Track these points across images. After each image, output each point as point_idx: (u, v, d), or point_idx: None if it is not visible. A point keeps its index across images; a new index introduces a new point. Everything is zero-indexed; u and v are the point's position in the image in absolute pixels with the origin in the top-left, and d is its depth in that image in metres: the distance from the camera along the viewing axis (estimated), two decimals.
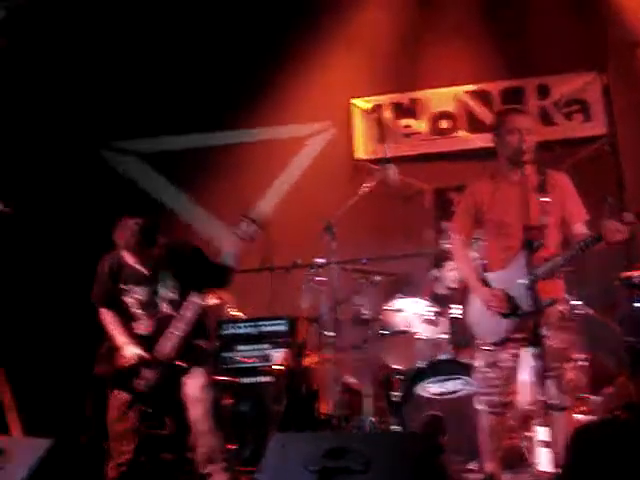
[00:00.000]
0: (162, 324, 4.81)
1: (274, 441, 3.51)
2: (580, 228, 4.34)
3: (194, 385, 4.71)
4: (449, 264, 6.23)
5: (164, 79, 8.02)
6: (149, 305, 4.86)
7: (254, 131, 8.20)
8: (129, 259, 4.85)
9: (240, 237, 4.79)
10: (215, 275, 4.82)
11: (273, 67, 7.91)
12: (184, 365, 4.73)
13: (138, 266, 4.85)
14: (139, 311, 4.88)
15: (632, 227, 3.97)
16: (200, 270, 4.86)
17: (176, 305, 4.82)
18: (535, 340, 3.95)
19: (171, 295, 4.85)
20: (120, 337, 4.84)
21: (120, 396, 4.77)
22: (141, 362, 4.74)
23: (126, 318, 4.91)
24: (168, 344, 4.72)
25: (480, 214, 4.45)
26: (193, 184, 8.17)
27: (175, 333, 4.71)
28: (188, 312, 4.71)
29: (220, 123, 8.20)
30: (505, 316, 4.28)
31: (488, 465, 4.50)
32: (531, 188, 4.20)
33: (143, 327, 4.88)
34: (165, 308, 4.84)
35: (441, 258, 6.45)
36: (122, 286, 4.88)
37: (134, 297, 4.88)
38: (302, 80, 7.90)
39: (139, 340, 4.83)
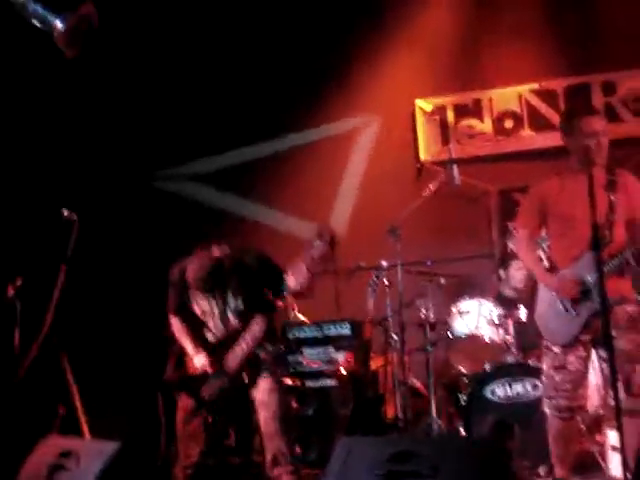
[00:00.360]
0: (231, 335, 4.87)
1: (340, 445, 3.50)
2: None
3: (262, 389, 4.75)
4: (515, 264, 6.17)
5: (215, 93, 8.00)
6: (217, 314, 4.92)
7: (314, 131, 8.19)
8: (198, 269, 4.92)
9: (313, 257, 4.74)
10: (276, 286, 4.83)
11: (336, 68, 7.89)
12: (249, 379, 4.78)
13: (205, 276, 4.91)
14: (209, 320, 4.95)
15: None
16: (265, 280, 4.91)
17: (243, 315, 4.87)
18: (604, 341, 3.88)
19: (238, 305, 4.90)
20: (190, 345, 4.92)
21: (187, 400, 4.84)
22: (210, 373, 4.81)
23: (196, 326, 4.98)
24: (236, 359, 4.78)
25: (546, 211, 4.41)
26: (264, 193, 8.17)
27: (243, 347, 4.77)
28: (256, 327, 4.76)
29: (279, 128, 8.20)
30: (577, 302, 4.20)
31: (558, 470, 4.45)
32: (600, 186, 4.13)
33: (212, 336, 4.95)
34: (232, 319, 4.90)
35: (506, 259, 6.39)
36: (191, 296, 4.96)
37: (202, 306, 4.94)
38: (366, 81, 7.90)
39: (208, 348, 4.89)
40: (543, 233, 4.95)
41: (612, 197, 4.21)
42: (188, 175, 8.41)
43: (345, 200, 8.02)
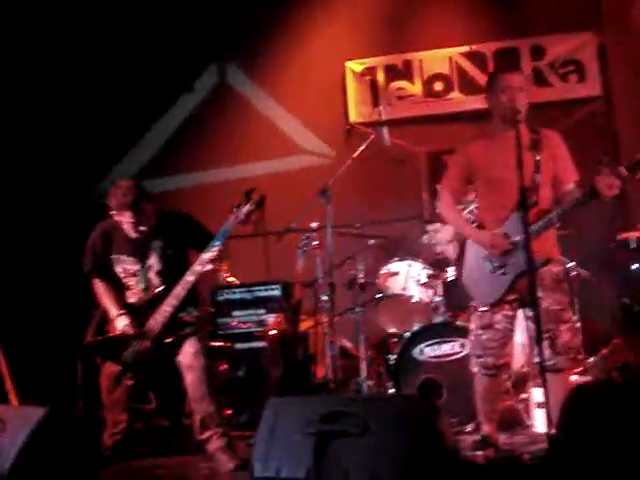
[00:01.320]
0: (154, 297, 4.79)
1: (269, 406, 3.50)
2: (572, 188, 4.32)
3: (187, 352, 4.70)
4: (443, 226, 6.21)
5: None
6: (140, 276, 4.84)
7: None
8: (121, 226, 4.80)
9: (238, 219, 4.70)
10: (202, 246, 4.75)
11: (266, 26, 7.81)
12: (174, 341, 4.72)
13: (130, 235, 4.80)
14: (131, 282, 4.86)
15: (625, 181, 3.96)
16: (190, 241, 4.83)
17: (166, 277, 4.79)
18: (530, 301, 3.94)
19: (161, 267, 4.82)
20: (111, 308, 4.83)
21: (111, 367, 4.77)
22: (131, 335, 4.74)
23: (118, 288, 4.89)
24: (158, 321, 4.70)
25: (473, 173, 4.41)
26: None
27: (166, 309, 4.68)
28: (180, 289, 4.67)
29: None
30: (504, 263, 4.24)
31: (484, 427, 4.52)
32: (524, 146, 4.15)
33: (135, 298, 4.87)
34: (155, 281, 4.82)
35: (435, 220, 6.43)
36: (113, 256, 4.86)
37: (125, 267, 4.85)
38: (296, 43, 7.83)
39: (131, 311, 4.81)
40: (471, 196, 5.00)
41: (537, 157, 4.22)
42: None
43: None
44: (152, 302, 4.77)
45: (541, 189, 4.23)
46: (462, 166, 4.46)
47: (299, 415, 3.38)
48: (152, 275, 4.83)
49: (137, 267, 4.83)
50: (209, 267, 4.68)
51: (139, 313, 4.78)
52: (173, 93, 8.20)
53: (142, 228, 4.75)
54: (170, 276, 4.76)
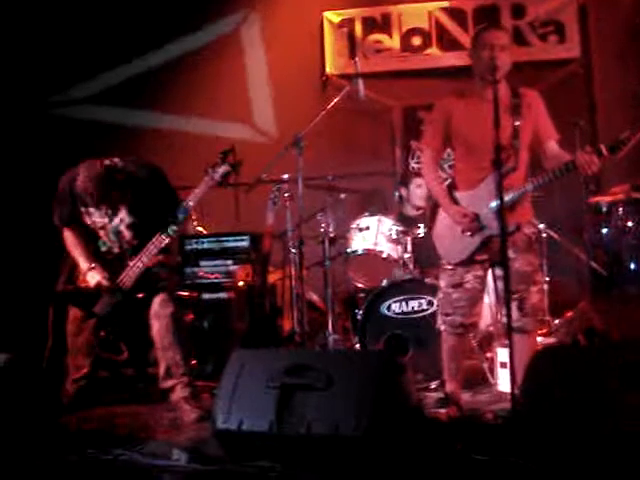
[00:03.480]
0: (126, 250, 4.75)
1: (234, 357, 3.47)
2: (553, 146, 4.30)
3: (155, 301, 4.65)
4: (415, 182, 6.18)
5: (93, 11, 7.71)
6: (111, 229, 4.77)
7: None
8: (88, 180, 4.70)
9: (213, 180, 4.62)
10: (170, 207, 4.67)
11: None
12: (144, 296, 4.68)
13: (96, 187, 4.70)
14: (101, 233, 4.78)
15: (605, 159, 3.93)
16: (159, 198, 4.74)
17: (138, 230, 4.73)
18: (500, 262, 3.92)
19: (132, 220, 4.75)
20: (82, 260, 4.76)
21: (76, 312, 4.72)
22: (102, 289, 4.69)
23: (89, 238, 4.81)
24: (131, 275, 4.65)
25: (450, 130, 4.35)
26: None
27: (138, 265, 4.63)
28: (153, 247, 4.60)
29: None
30: (471, 236, 4.25)
31: (449, 385, 4.54)
32: (504, 108, 4.10)
33: (107, 250, 4.80)
34: (127, 233, 4.76)
35: (408, 177, 6.39)
36: (82, 208, 4.76)
37: (94, 220, 4.77)
38: None
39: (102, 263, 4.75)
40: (446, 153, 4.96)
41: (516, 122, 4.18)
42: (81, 97, 8.07)
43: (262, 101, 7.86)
44: (123, 256, 4.72)
45: (520, 153, 4.21)
46: (442, 124, 4.39)
47: (263, 368, 3.36)
48: (123, 228, 4.76)
49: (106, 220, 4.75)
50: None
51: (111, 266, 4.72)
52: (173, 31, 7.94)
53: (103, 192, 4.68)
54: (142, 229, 4.70)
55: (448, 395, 4.50)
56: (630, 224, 5.97)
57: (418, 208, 6.16)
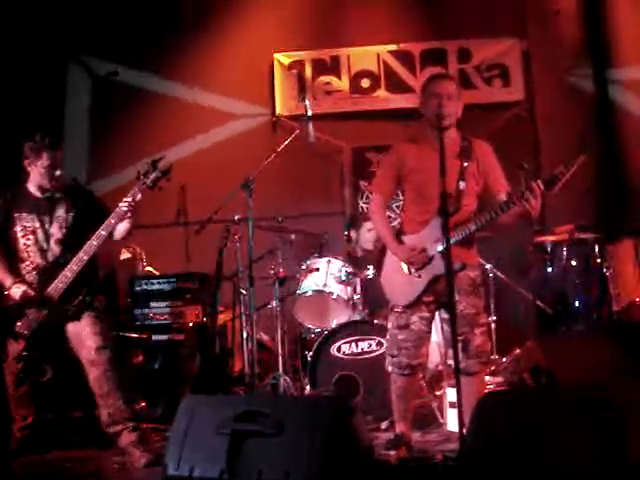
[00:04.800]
0: (52, 266, 4.64)
1: (185, 403, 3.46)
2: (503, 198, 4.36)
3: (89, 347, 4.58)
4: (366, 225, 6.25)
5: None
6: (40, 241, 4.69)
7: (174, 84, 8.01)
8: (27, 188, 4.72)
9: (144, 184, 4.64)
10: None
11: (197, 20, 7.73)
12: (74, 310, 4.60)
13: (35, 194, 4.71)
14: (29, 242, 4.68)
15: (546, 195, 4.05)
16: (93, 215, 4.72)
17: (67, 246, 4.66)
18: (446, 304, 3.99)
19: (62, 236, 4.70)
20: (6, 277, 4.63)
21: (13, 365, 4.61)
22: (27, 301, 4.56)
23: (16, 254, 4.71)
24: (59, 286, 4.55)
25: (401, 175, 4.45)
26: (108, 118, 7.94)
27: (68, 275, 4.53)
28: (83, 254, 4.55)
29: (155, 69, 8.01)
30: (420, 269, 4.32)
31: (399, 425, 4.56)
32: (453, 154, 4.23)
33: (33, 266, 4.69)
34: (55, 249, 4.68)
35: (358, 218, 6.46)
36: (15, 214, 4.70)
37: (25, 225, 4.68)
38: (226, 34, 7.79)
39: (28, 278, 4.65)
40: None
41: (464, 164, 4.30)
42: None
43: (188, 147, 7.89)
44: (51, 270, 4.62)
45: (464, 197, 4.31)
46: (394, 166, 4.48)
47: (214, 414, 3.36)
48: (52, 243, 4.68)
49: (37, 225, 4.68)
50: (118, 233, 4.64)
51: (36, 281, 4.63)
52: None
53: (57, 173, 4.68)
54: (70, 245, 4.63)
55: (398, 436, 4.53)
56: (574, 263, 6.09)
57: (367, 250, 6.23)
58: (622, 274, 5.74)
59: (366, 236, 6.23)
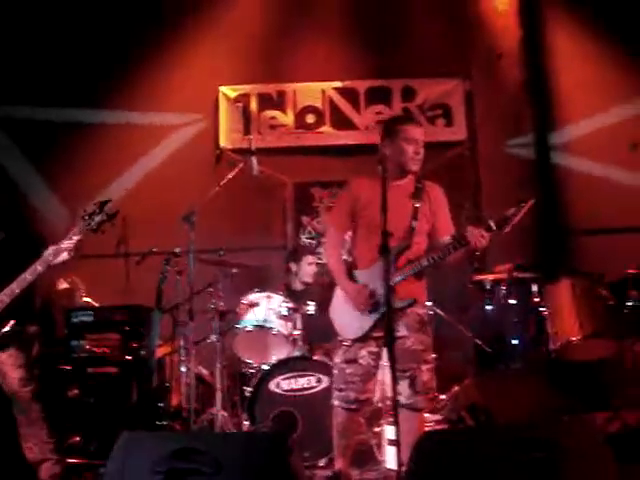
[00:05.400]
0: None
1: (121, 440, 3.39)
2: (447, 240, 4.44)
3: (13, 378, 4.52)
4: (306, 259, 6.25)
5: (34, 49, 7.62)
6: None
7: (122, 114, 7.92)
8: None
9: (89, 226, 4.58)
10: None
11: (143, 50, 7.69)
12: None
13: None
14: None
15: (493, 234, 4.11)
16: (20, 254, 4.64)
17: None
18: (390, 340, 4.00)
19: None
20: None
21: None
22: None
23: None
24: None
25: (356, 211, 4.49)
26: (46, 158, 7.80)
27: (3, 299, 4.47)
28: (16, 286, 4.45)
29: (87, 101, 7.88)
30: (369, 312, 4.33)
31: (338, 462, 4.54)
32: (407, 194, 4.36)
33: None
34: None
35: (298, 252, 6.45)
36: None
37: None
38: (172, 65, 7.78)
39: None
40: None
41: (416, 205, 4.38)
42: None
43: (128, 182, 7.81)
44: None
45: (416, 235, 4.38)
46: (349, 201, 4.53)
47: (150, 451, 3.29)
48: None
49: None
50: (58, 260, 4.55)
51: None
52: None
53: None
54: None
55: (337, 473, 4.51)
56: (512, 302, 6.16)
57: (307, 284, 6.22)
58: (559, 313, 5.81)
59: (306, 269, 6.23)
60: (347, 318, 4.44)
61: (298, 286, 6.29)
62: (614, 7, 7.51)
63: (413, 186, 4.44)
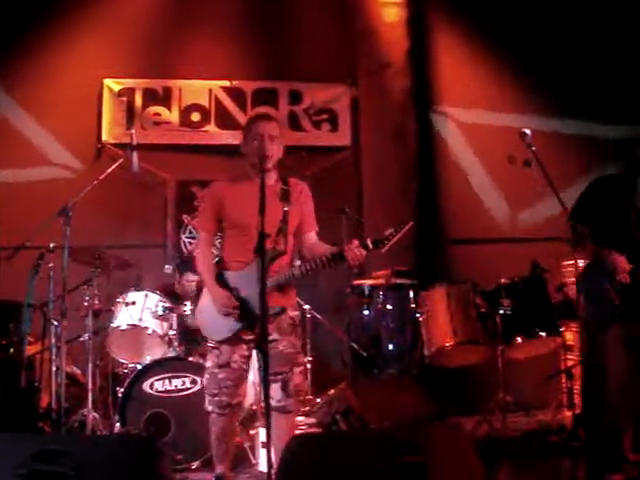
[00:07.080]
0: None
1: None
2: (312, 237, 4.52)
3: None
4: (187, 276, 6.14)
5: None
6: None
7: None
8: None
9: None
10: None
11: (28, 37, 7.44)
12: None
13: None
14: None
15: (371, 252, 4.16)
16: None
17: None
18: (261, 344, 3.98)
19: None
20: None
21: None
22: None
23: None
24: None
25: (222, 214, 4.44)
26: None
27: None
28: None
29: None
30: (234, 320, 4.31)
31: (218, 467, 4.52)
32: (274, 194, 4.28)
33: None
34: None
35: (187, 264, 6.34)
36: None
37: None
38: (56, 55, 7.55)
39: None
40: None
41: (285, 207, 4.34)
42: None
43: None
44: None
45: (289, 238, 4.36)
46: (213, 208, 4.48)
47: (10, 453, 3.17)
48: None
49: None
50: None
51: None
52: None
53: None
54: None
55: (219, 477, 4.48)
56: (390, 307, 6.25)
57: (185, 285, 6.12)
58: (434, 320, 5.92)
59: (185, 285, 6.12)
60: (214, 319, 4.39)
61: (177, 287, 6.19)
62: (499, 22, 7.74)
63: (279, 186, 4.41)
